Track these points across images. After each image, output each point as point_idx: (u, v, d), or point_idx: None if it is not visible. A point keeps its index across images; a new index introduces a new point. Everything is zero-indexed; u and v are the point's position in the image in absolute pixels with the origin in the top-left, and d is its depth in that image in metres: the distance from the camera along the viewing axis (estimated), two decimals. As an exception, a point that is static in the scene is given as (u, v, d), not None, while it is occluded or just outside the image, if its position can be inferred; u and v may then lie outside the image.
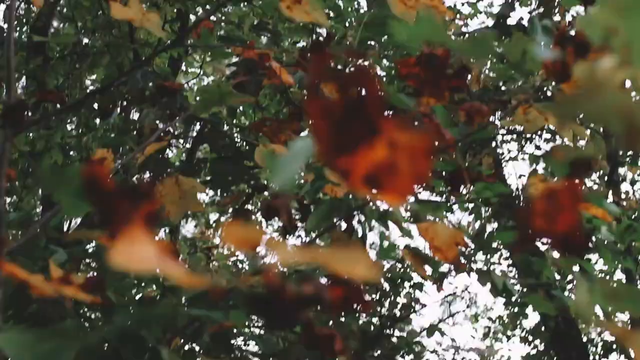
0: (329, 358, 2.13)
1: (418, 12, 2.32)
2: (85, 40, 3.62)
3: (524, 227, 1.07)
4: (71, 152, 3.34)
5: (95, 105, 3.18)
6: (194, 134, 3.03)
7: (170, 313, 0.93)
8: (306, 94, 0.91)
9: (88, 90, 3.53)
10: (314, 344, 2.07)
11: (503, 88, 2.90)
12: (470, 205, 2.41)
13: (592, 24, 1.01)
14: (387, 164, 0.92)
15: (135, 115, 3.24)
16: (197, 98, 3.04)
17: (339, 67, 0.93)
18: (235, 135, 2.80)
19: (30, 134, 3.41)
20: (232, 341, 2.46)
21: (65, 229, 2.99)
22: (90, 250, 2.49)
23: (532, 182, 2.14)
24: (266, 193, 2.92)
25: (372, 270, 0.92)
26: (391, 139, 0.93)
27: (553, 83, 2.02)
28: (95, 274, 2.36)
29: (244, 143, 2.78)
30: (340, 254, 0.87)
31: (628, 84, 1.33)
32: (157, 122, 2.81)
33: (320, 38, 2.72)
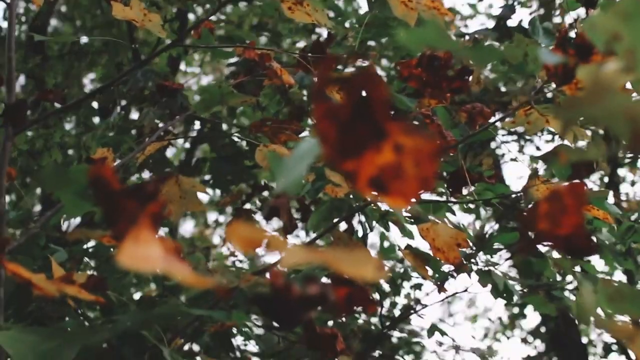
0: (330, 358, 2.13)
1: (419, 14, 2.33)
2: (84, 40, 3.62)
3: (528, 229, 1.08)
4: (70, 152, 3.34)
5: (95, 105, 3.18)
6: (194, 133, 3.03)
7: (170, 313, 0.93)
8: (312, 96, 0.91)
9: (87, 90, 3.53)
10: (316, 343, 2.08)
11: (503, 89, 2.91)
12: (471, 206, 2.41)
13: (595, 27, 1.01)
14: (393, 167, 0.92)
15: (134, 115, 3.24)
16: (198, 97, 3.05)
17: (343, 69, 0.93)
18: (235, 135, 2.80)
19: (29, 133, 3.41)
20: (232, 341, 2.46)
21: (63, 228, 2.98)
22: (89, 250, 2.50)
23: (533, 183, 2.15)
24: (266, 193, 2.92)
25: (378, 271, 0.93)
26: (397, 142, 0.93)
27: (554, 85, 2.03)
28: (95, 273, 2.36)
29: (244, 143, 2.79)
30: (345, 254, 0.87)
31: (629, 86, 1.33)
32: (157, 121, 2.82)
33: (320, 39, 2.71)
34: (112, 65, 3.33)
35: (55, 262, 1.79)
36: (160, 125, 2.85)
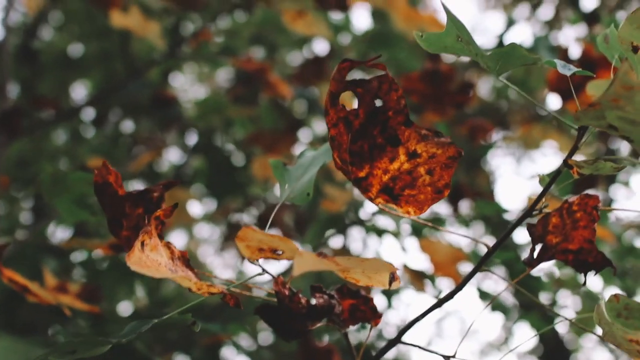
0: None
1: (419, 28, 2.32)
2: (77, 49, 3.60)
3: (538, 242, 1.06)
4: (61, 161, 3.32)
5: (89, 114, 3.16)
6: (189, 144, 3.02)
7: (163, 325, 0.91)
8: (326, 101, 0.90)
9: (77, 100, 3.50)
10: (311, 358, 2.05)
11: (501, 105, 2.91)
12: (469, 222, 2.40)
13: (611, 40, 1.00)
14: (407, 174, 0.90)
15: (128, 125, 3.22)
16: (193, 109, 3.04)
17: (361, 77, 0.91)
18: (229, 147, 2.80)
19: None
20: (221, 354, 2.44)
21: (53, 239, 2.96)
22: (81, 261, 2.47)
23: (534, 199, 2.13)
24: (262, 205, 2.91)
25: (394, 279, 0.91)
26: (412, 149, 0.91)
27: (556, 101, 2.01)
28: (86, 283, 2.33)
29: (239, 156, 2.78)
30: (360, 262, 0.85)
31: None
32: (152, 132, 2.80)
33: (318, 53, 2.72)
34: (105, 75, 3.31)
35: (47, 271, 1.77)
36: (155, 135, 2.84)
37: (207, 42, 2.39)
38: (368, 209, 2.46)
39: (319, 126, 2.92)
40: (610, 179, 2.24)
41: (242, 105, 2.64)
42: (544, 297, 2.71)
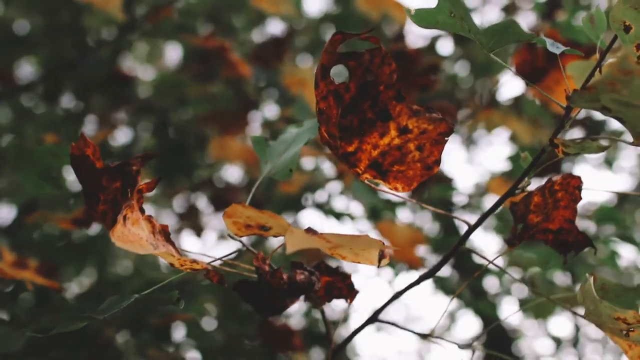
0: (283, 353, 2.10)
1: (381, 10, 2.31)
2: (24, 25, 3.52)
3: (519, 222, 1.06)
4: (3, 139, 3.24)
5: (38, 92, 3.10)
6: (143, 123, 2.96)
7: (144, 301, 0.89)
8: (316, 73, 0.89)
9: (26, 76, 3.42)
10: (271, 339, 2.04)
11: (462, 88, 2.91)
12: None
13: (593, 24, 1.01)
14: (397, 150, 0.90)
15: (80, 103, 3.16)
16: (148, 87, 2.99)
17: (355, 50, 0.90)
18: (181, 126, 2.76)
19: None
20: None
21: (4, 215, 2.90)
22: (35, 238, 2.42)
23: (492, 183, 2.15)
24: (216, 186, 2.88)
25: (384, 256, 0.90)
26: (403, 124, 0.90)
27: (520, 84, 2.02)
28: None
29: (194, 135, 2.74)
30: (350, 239, 0.84)
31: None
32: (107, 109, 2.75)
33: (275, 32, 2.69)
34: (54, 52, 3.24)
35: (4, 247, 1.74)
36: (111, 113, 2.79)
37: (168, 18, 2.36)
38: (325, 191, 2.45)
39: (271, 110, 2.90)
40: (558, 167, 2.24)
41: (200, 83, 2.60)
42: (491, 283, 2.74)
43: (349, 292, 1.13)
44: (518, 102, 2.37)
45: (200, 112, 2.75)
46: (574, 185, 1.01)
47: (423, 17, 0.90)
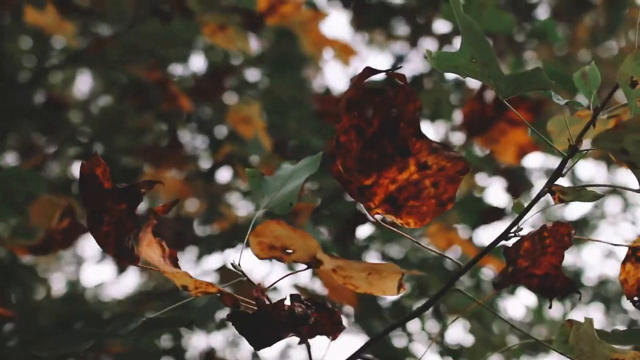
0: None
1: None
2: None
3: (510, 265, 1.08)
4: None
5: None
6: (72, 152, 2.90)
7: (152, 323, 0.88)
8: (341, 106, 0.89)
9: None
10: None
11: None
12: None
13: (586, 80, 1.05)
14: (414, 186, 0.91)
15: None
16: (85, 115, 2.94)
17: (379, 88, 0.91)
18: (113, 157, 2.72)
19: None
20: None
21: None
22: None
23: (433, 231, 2.18)
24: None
25: (401, 287, 0.91)
26: (421, 160, 0.92)
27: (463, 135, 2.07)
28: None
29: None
30: (373, 266, 0.85)
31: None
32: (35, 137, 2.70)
33: (213, 67, 2.69)
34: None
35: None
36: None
37: (112, 49, 2.33)
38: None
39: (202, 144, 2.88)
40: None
41: (137, 115, 2.58)
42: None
43: (333, 329, 1.13)
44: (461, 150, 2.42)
45: (133, 144, 2.72)
46: (562, 232, 1.03)
47: (442, 61, 0.92)
